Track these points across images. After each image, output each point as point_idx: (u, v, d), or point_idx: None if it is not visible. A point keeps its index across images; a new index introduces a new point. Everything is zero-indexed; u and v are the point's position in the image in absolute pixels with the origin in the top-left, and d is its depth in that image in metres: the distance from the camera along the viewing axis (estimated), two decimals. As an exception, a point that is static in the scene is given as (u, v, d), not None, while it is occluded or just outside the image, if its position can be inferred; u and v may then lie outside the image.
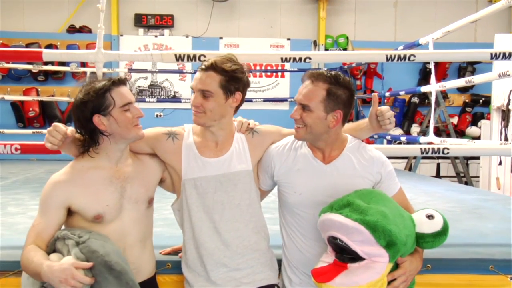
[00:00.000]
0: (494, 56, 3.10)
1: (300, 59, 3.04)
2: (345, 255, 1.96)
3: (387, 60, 3.08)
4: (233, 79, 2.25)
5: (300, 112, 2.22)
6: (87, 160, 2.19)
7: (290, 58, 3.07)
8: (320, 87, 2.19)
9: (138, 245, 2.25)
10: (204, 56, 2.96)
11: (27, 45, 9.06)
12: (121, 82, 2.17)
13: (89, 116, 2.11)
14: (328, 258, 2.03)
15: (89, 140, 2.16)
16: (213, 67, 2.23)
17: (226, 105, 2.27)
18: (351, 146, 2.33)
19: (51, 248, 2.06)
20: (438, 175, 9.66)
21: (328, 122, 2.20)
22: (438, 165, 9.82)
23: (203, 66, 2.25)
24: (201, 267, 2.29)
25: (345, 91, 2.21)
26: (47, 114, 9.54)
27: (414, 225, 2.06)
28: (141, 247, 2.27)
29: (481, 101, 10.22)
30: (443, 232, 2.06)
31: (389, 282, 2.01)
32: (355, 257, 1.94)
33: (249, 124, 2.44)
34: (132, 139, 2.20)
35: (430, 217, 2.08)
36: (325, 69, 2.58)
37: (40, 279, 1.96)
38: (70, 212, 2.14)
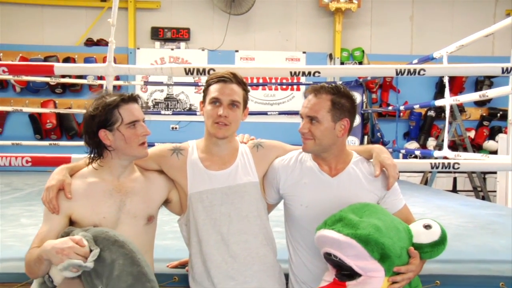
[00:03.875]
0: (506, 71, 3.06)
1: (310, 73, 3.06)
2: (343, 272, 1.95)
3: (397, 74, 3.07)
4: (247, 91, 2.35)
5: (308, 126, 2.25)
6: (90, 172, 2.25)
7: (299, 72, 3.07)
8: (324, 99, 2.25)
9: None
10: (213, 70, 2.97)
11: (46, 58, 9.18)
12: (132, 99, 2.22)
13: (95, 130, 2.17)
14: (329, 276, 2.03)
15: (94, 152, 2.22)
16: (233, 79, 2.29)
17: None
18: (356, 160, 2.34)
19: None
20: (454, 190, 9.54)
21: (336, 132, 2.26)
22: (455, 179, 9.71)
23: (221, 79, 2.29)
24: (208, 281, 2.27)
25: (347, 100, 2.28)
26: (64, 126, 9.66)
27: (411, 236, 2.05)
28: None
29: (498, 115, 10.10)
30: (441, 241, 2.04)
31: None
32: (352, 274, 1.93)
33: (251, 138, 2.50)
34: (135, 157, 2.25)
35: (427, 227, 2.07)
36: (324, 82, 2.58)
37: (43, 264, 1.97)
38: (70, 221, 2.17)
